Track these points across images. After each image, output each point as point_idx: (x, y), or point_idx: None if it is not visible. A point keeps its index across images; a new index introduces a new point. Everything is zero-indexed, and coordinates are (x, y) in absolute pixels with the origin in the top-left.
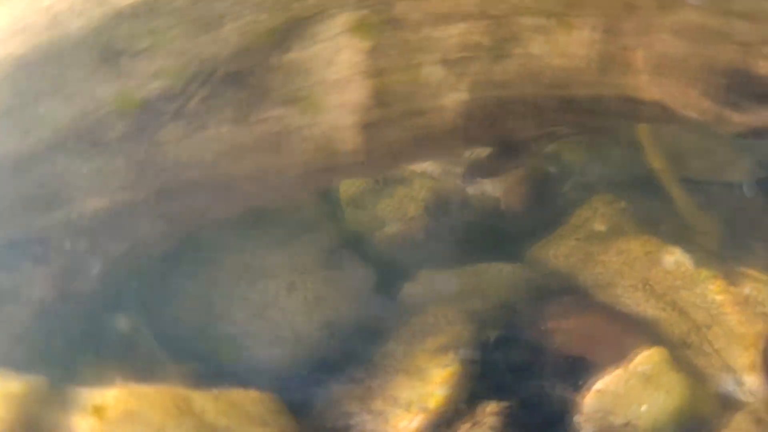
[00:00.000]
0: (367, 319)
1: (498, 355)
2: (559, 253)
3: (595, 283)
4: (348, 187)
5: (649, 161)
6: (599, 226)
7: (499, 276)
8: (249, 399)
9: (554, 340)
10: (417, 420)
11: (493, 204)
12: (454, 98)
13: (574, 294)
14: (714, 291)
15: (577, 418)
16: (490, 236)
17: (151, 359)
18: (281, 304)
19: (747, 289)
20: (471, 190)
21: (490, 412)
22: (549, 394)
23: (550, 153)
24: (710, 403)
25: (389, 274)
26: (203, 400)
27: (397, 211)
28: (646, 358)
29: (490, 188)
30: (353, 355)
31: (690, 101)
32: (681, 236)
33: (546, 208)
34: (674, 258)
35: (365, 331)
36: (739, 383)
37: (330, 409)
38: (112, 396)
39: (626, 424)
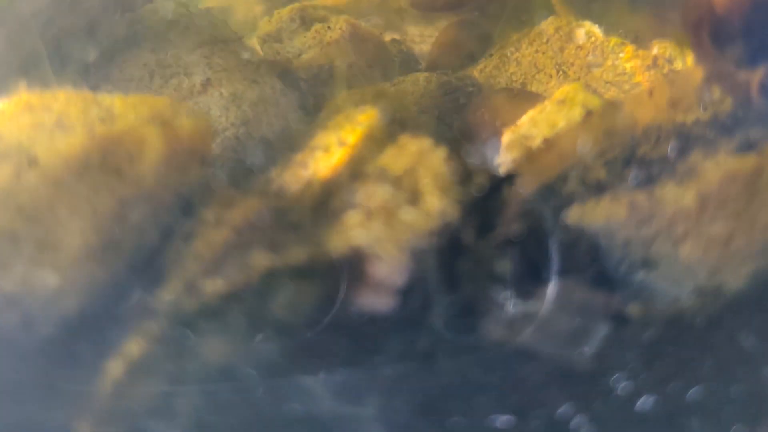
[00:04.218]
0: (284, 120)
1: None
2: (475, 68)
3: (511, 83)
4: (264, 25)
5: None
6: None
7: (416, 84)
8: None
9: (476, 119)
10: (336, 156)
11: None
12: None
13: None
14: (624, 59)
15: (497, 157)
16: (409, 59)
17: None
18: (196, 98)
19: (655, 49)
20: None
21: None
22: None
23: None
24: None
25: (308, 94)
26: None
27: (314, 39)
28: (562, 92)
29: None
30: (270, 146)
31: None
32: (590, 12)
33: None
34: (584, 30)
35: (283, 131)
36: None
37: None
38: None
39: (543, 141)
